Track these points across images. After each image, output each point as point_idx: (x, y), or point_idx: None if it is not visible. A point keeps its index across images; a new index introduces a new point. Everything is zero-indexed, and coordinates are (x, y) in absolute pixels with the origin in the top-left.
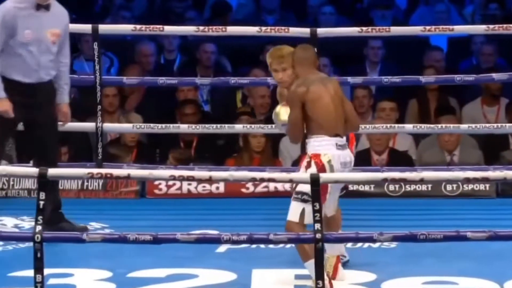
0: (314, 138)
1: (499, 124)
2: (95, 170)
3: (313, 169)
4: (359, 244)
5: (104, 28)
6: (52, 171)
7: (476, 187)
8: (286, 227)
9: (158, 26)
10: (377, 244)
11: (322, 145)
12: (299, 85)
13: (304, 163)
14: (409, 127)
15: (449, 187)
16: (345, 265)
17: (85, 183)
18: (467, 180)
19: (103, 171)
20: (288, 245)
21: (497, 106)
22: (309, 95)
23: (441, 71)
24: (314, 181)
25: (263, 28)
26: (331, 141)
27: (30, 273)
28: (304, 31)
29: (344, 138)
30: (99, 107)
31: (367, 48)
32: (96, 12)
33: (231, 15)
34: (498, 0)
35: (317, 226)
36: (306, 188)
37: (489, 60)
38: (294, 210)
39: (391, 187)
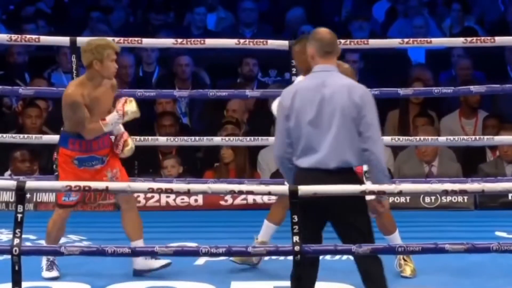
0: None
1: (477, 137)
2: (73, 183)
3: None
4: (338, 256)
5: (83, 40)
6: (30, 184)
7: (454, 199)
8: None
9: (136, 38)
10: None
11: None
12: None
13: None
14: (387, 139)
15: (427, 199)
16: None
17: None
18: (446, 192)
19: (81, 183)
20: (267, 258)
21: (474, 118)
22: None
23: (429, 84)
24: (293, 193)
25: (241, 40)
26: None
27: (8, 286)
28: (283, 44)
29: None
30: None
31: (343, 61)
32: (74, 24)
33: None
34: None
35: (296, 238)
36: None
37: (465, 73)
38: None
39: None
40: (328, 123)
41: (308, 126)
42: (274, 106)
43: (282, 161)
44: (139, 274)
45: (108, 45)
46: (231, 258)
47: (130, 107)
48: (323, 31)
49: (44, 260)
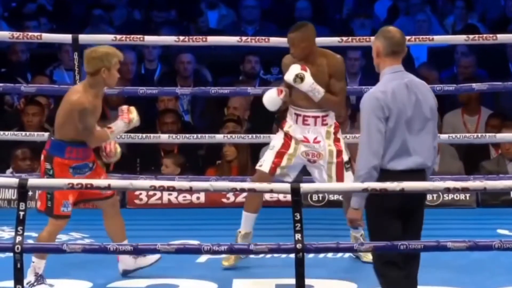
0: None
1: (479, 134)
2: (75, 181)
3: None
4: (340, 254)
5: (85, 38)
6: (32, 181)
7: (456, 197)
8: None
9: (138, 36)
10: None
11: None
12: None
13: (329, 129)
14: None
15: (429, 197)
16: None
17: None
18: (448, 190)
19: (84, 181)
20: (269, 255)
21: (477, 115)
22: None
23: (434, 82)
24: (295, 191)
25: (243, 38)
26: None
27: (10, 284)
28: (285, 41)
29: None
30: None
31: (345, 59)
32: (76, 22)
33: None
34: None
35: (298, 236)
36: None
37: (468, 71)
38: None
39: None
40: (423, 123)
41: (404, 127)
42: (268, 98)
43: (376, 169)
44: (126, 274)
45: (115, 54)
46: (225, 265)
47: (134, 115)
48: (394, 30)
49: (31, 276)
